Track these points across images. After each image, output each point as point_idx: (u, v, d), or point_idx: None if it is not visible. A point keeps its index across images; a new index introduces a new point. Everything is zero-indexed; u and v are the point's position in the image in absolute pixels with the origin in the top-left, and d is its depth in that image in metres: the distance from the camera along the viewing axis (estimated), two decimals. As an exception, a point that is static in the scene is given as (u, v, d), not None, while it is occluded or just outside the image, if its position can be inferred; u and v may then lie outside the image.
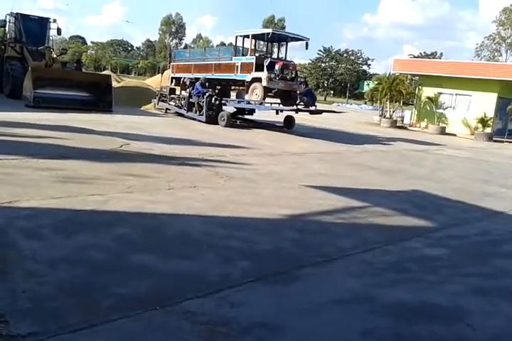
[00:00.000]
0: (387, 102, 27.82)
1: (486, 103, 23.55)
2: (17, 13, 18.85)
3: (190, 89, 17.10)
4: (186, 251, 4.10)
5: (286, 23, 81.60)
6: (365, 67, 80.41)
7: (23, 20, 18.56)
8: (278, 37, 17.19)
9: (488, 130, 23.31)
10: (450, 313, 3.47)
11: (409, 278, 4.07)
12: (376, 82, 31.76)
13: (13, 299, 2.94)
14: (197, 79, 17.21)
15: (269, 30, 16.76)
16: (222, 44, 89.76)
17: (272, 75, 15.20)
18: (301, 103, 16.24)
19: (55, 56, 18.67)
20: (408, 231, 5.48)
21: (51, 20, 19.47)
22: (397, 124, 26.61)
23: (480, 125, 23.33)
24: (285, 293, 3.52)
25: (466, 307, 3.58)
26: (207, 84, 16.74)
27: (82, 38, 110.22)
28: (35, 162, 6.84)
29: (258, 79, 15.47)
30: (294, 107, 15.95)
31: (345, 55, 78.92)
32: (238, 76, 16.54)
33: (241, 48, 17.36)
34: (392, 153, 13.72)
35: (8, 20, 19.09)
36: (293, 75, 16.09)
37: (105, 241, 4.09)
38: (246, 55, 16.62)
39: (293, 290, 3.59)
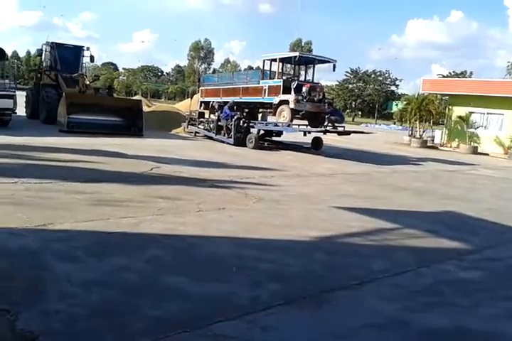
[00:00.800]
0: (417, 122, 27.56)
1: (519, 121, 23.08)
2: (52, 42, 19.61)
3: (219, 112, 17.35)
4: (216, 273, 4.11)
5: (312, 45, 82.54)
6: (393, 88, 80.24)
7: (58, 48, 19.29)
8: (305, 60, 17.38)
9: (522, 149, 22.77)
10: (486, 338, 3.36)
11: (444, 301, 3.97)
12: (405, 102, 31.55)
13: (47, 320, 2.99)
14: (225, 102, 17.46)
15: (296, 54, 16.97)
16: (250, 68, 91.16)
17: (300, 97, 15.31)
18: (329, 124, 16.21)
19: (88, 82, 19.27)
20: (441, 254, 5.36)
21: (85, 48, 20.18)
22: (428, 144, 26.26)
23: (513, 144, 22.82)
24: (316, 316, 3.48)
25: (503, 333, 3.46)
26: (235, 107, 16.96)
27: (114, 65, 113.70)
28: (69, 185, 7.01)
29: (285, 102, 15.60)
30: (322, 128, 15.97)
31: (372, 75, 78.96)
32: (266, 99, 16.71)
33: (268, 72, 17.59)
34: (424, 173, 13.53)
35: (44, 49, 19.87)
36: (320, 97, 16.17)
37: (137, 263, 4.13)
38: (273, 78, 16.81)
39: (323, 313, 3.54)
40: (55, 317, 3.03)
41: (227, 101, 17.34)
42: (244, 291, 3.75)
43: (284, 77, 16.95)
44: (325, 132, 15.99)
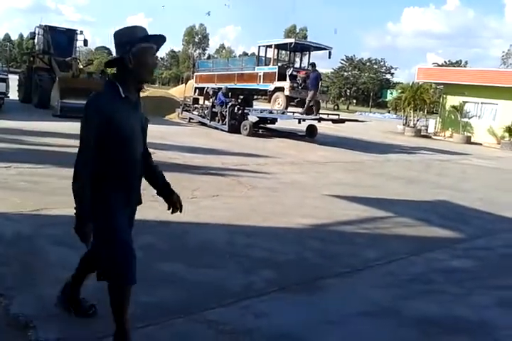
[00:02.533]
0: (411, 111, 27.59)
1: (512, 112, 23.14)
2: (45, 26, 19.35)
3: (213, 98, 17.26)
4: (210, 260, 4.13)
5: (308, 32, 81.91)
6: (388, 76, 79.94)
7: (51, 32, 19.03)
8: (300, 46, 17.28)
9: (515, 139, 22.87)
10: (476, 326, 3.41)
11: (435, 290, 4.01)
12: (400, 91, 31.54)
13: (41, 305, 3.00)
14: (220, 89, 17.37)
15: (292, 40, 16.87)
16: (245, 54, 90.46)
17: (295, 84, 15.25)
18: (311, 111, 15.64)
19: (81, 67, 19.09)
20: (433, 242, 5.40)
21: (78, 31, 19.93)
22: (421, 133, 26.32)
23: (507, 134, 22.90)
24: (309, 303, 3.51)
25: (493, 321, 3.51)
26: (229, 93, 16.87)
27: (108, 49, 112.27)
28: (63, 170, 6.96)
29: (281, 89, 15.54)
30: (317, 116, 15.96)
31: (368, 63, 78.61)
32: (261, 85, 16.64)
33: (264, 58, 17.49)
34: (417, 162, 13.58)
35: (37, 32, 19.62)
36: None
37: (130, 249, 4.13)
38: (269, 65, 16.71)
39: (317, 300, 3.57)
40: (49, 301, 3.03)
41: (222, 88, 17.25)
42: (238, 278, 3.77)
43: (279, 64, 16.85)
44: (319, 120, 15.98)
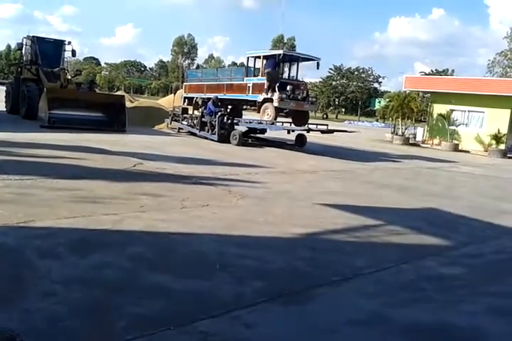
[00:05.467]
0: (399, 119, 27.80)
1: (499, 119, 23.38)
2: (33, 36, 19.29)
3: (203, 108, 17.26)
4: (199, 270, 4.10)
5: (296, 41, 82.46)
6: (376, 85, 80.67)
7: (39, 42, 18.96)
8: (289, 57, 17.36)
9: (502, 146, 23.10)
10: (467, 334, 3.41)
11: (425, 297, 4.02)
12: (387, 100, 31.78)
13: (29, 319, 2.95)
14: (209, 98, 17.38)
15: (280, 52, 16.94)
16: (234, 64, 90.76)
17: (284, 96, 15.30)
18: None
19: (69, 77, 19.03)
20: (423, 250, 5.41)
21: (66, 42, 19.86)
22: (410, 141, 26.51)
23: (494, 141, 23.14)
24: (299, 313, 3.49)
25: (484, 328, 3.52)
26: (219, 103, 16.90)
27: (96, 59, 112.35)
28: (50, 182, 6.92)
29: (270, 100, 15.59)
30: (306, 127, 16.03)
31: (355, 72, 79.24)
32: (250, 96, 16.67)
33: (252, 69, 17.54)
34: (406, 170, 13.65)
35: (24, 43, 19.55)
36: (304, 95, 16.21)
37: (119, 260, 4.10)
38: (257, 76, 16.77)
39: (307, 310, 3.56)
40: (36, 315, 2.99)
41: (211, 97, 17.27)
42: (228, 288, 3.75)
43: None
44: (308, 130, 16.05)
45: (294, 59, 17.52)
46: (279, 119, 16.36)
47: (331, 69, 77.93)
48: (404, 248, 5.43)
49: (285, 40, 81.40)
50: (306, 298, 3.77)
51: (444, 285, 4.36)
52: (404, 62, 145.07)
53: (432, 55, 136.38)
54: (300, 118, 16.61)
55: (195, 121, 17.76)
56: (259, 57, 17.13)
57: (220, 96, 17.53)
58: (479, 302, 4.03)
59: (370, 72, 79.20)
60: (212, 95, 17.66)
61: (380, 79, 79.59)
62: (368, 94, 79.51)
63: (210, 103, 16.68)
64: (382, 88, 79.60)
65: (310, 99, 16.61)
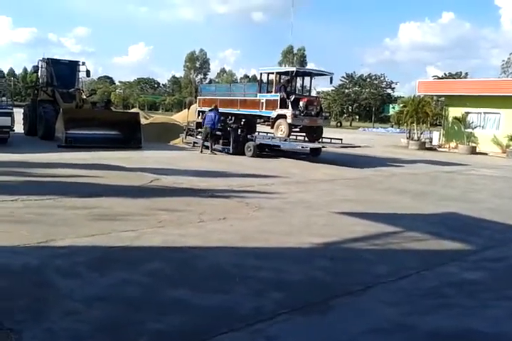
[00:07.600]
0: (414, 124, 27.60)
1: (515, 120, 23.10)
2: (48, 59, 19.68)
3: (203, 120, 17.32)
4: (218, 284, 4.11)
5: (306, 51, 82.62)
6: (389, 91, 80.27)
7: (53, 64, 19.35)
8: (302, 73, 17.48)
9: (521, 147, 22.77)
10: (493, 340, 3.35)
11: (448, 303, 3.96)
12: (401, 105, 31.58)
13: (51, 338, 2.98)
14: (212, 110, 17.34)
15: (293, 69, 17.03)
16: (246, 76, 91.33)
17: (297, 112, 15.31)
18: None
19: (85, 97, 19.35)
20: (444, 256, 5.35)
21: (80, 63, 20.21)
22: (426, 146, 26.26)
23: (511, 143, 22.83)
24: (321, 323, 3.47)
25: (509, 333, 3.45)
26: (218, 110, 16.87)
27: (110, 78, 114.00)
28: (69, 201, 7.02)
29: (283, 116, 15.63)
30: (320, 145, 16.06)
31: (368, 79, 79.07)
32: (263, 112, 16.71)
33: (266, 85, 17.63)
34: (423, 175, 13.53)
35: (40, 66, 19.95)
36: (317, 110, 16.23)
37: (139, 276, 4.13)
38: (271, 92, 16.83)
39: (328, 320, 3.53)
40: (58, 334, 3.02)
41: (224, 112, 17.37)
42: (248, 301, 3.74)
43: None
44: (321, 148, 16.15)
45: (306, 74, 17.62)
46: (293, 133, 16.40)
47: (343, 77, 77.82)
48: (424, 254, 5.37)
49: (295, 51, 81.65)
50: (327, 308, 3.74)
51: (466, 290, 4.30)
52: (416, 66, 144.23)
53: (444, 58, 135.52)
54: (314, 133, 16.63)
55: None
56: (272, 73, 17.29)
57: (233, 111, 17.67)
58: (503, 307, 3.96)
59: (382, 79, 78.94)
60: (226, 110, 17.77)
61: (392, 85, 79.23)
62: (382, 100, 79.13)
63: (208, 111, 16.68)
64: (396, 93, 79.14)
65: (323, 114, 16.64)
